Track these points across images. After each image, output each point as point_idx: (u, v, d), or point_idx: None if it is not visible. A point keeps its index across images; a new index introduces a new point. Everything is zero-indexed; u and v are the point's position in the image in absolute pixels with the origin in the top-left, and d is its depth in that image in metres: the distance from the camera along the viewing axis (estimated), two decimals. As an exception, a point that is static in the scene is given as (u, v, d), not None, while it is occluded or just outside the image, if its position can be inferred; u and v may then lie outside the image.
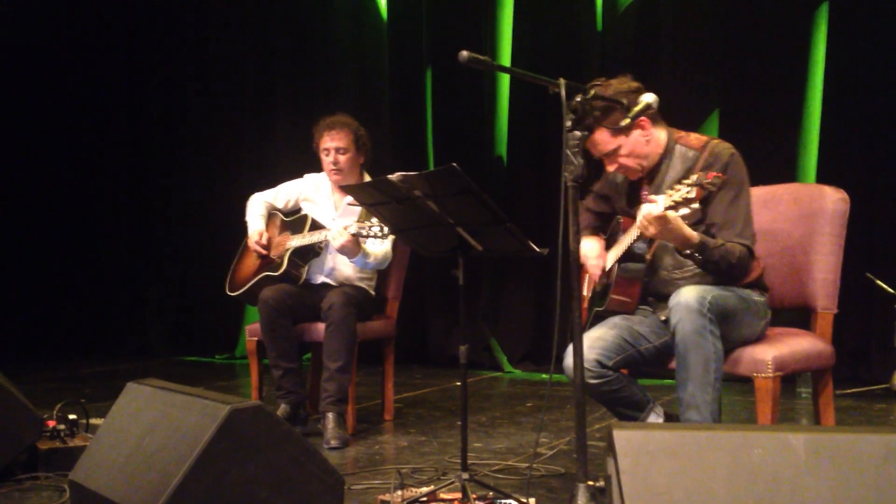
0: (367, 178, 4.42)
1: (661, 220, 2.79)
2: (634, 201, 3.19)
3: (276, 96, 7.12)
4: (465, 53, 2.55)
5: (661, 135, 3.15)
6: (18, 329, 7.51)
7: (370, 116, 6.67)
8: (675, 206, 2.75)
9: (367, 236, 3.93)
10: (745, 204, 3.05)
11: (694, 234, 2.89)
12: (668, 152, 3.13)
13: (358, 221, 4.01)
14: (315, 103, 6.62)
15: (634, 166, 3.13)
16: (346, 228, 4.03)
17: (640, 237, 3.03)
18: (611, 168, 3.18)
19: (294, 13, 7.05)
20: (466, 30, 6.45)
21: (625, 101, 2.95)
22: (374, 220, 3.94)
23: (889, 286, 5.03)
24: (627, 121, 2.96)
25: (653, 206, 2.79)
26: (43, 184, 7.74)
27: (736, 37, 5.67)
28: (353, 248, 4.13)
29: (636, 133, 3.08)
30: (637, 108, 2.91)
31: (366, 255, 4.20)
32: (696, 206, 2.74)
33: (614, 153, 3.10)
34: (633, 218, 3.05)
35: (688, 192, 2.72)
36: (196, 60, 7.44)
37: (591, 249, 3.28)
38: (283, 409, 4.21)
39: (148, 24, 7.60)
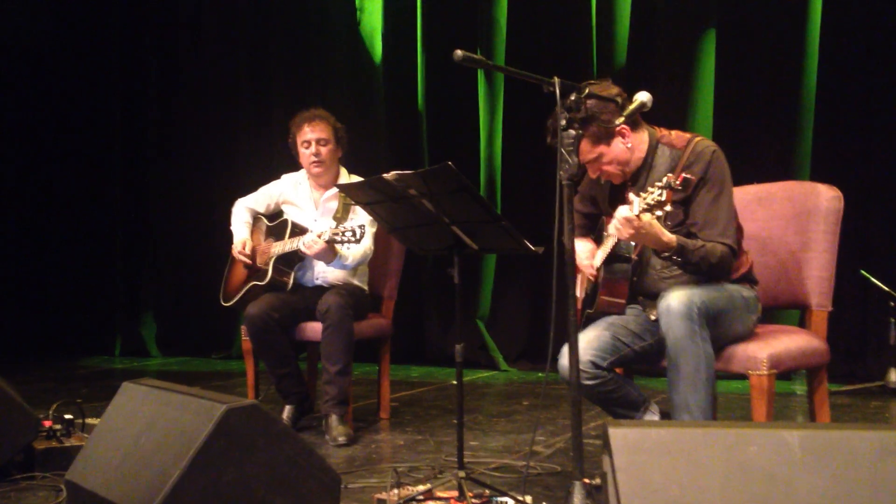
0: (345, 172, 4.42)
1: (633, 223, 2.79)
2: (616, 203, 3.20)
3: (271, 95, 7.14)
4: (459, 52, 2.55)
5: (643, 137, 3.14)
6: (14, 329, 7.50)
7: (366, 115, 6.71)
8: (650, 209, 2.75)
9: (342, 242, 3.92)
10: (727, 202, 3.04)
11: (672, 238, 2.90)
12: (650, 153, 3.14)
13: (333, 228, 3.99)
14: (311, 101, 6.60)
15: (616, 172, 3.14)
16: (319, 236, 4.03)
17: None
18: (593, 175, 3.20)
19: (289, 11, 7.06)
20: (461, 28, 6.46)
21: (619, 100, 2.96)
22: (348, 224, 3.93)
23: (883, 283, 5.05)
24: (622, 119, 2.96)
25: (626, 209, 2.80)
26: (37, 184, 7.74)
27: (729, 36, 5.68)
28: (327, 254, 4.12)
29: (617, 141, 3.09)
30: (632, 107, 2.92)
31: (342, 257, 4.19)
32: (668, 208, 2.74)
33: (596, 161, 3.12)
34: None
35: (659, 195, 2.72)
36: (191, 59, 7.45)
37: (581, 251, 3.29)
38: (288, 410, 4.22)
39: (143, 21, 7.60)
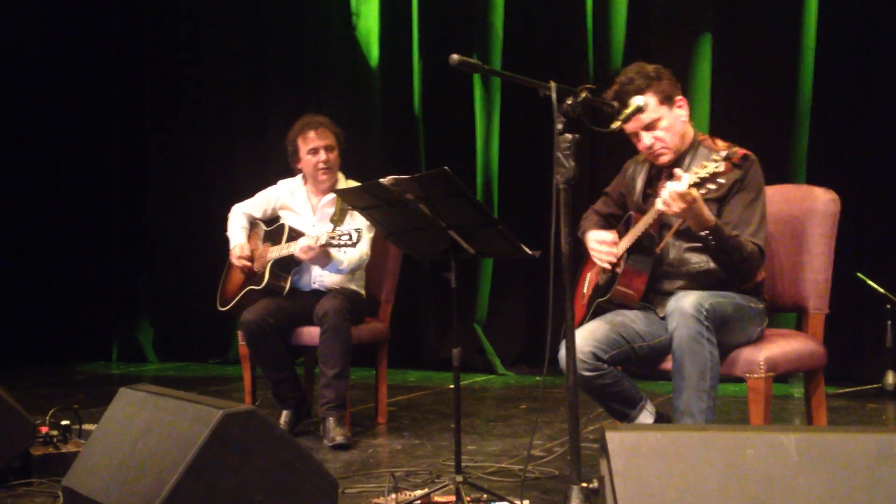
0: (342, 177, 4.43)
1: (686, 197, 2.80)
2: (648, 197, 3.22)
3: (268, 100, 7.13)
4: (455, 57, 2.55)
5: (689, 129, 3.20)
6: (11, 334, 7.48)
7: (362, 119, 6.71)
8: (702, 182, 2.76)
9: (338, 246, 3.92)
10: (762, 208, 3.08)
11: (712, 217, 2.92)
12: (692, 148, 3.18)
13: (329, 232, 3.97)
14: (307, 105, 6.62)
15: (668, 144, 3.14)
16: (316, 240, 4.04)
17: (650, 231, 3.06)
18: (646, 142, 3.15)
19: (286, 16, 7.06)
20: (457, 32, 6.47)
21: (616, 104, 2.97)
22: (344, 227, 3.93)
23: (880, 286, 5.05)
24: (618, 124, 2.97)
25: (678, 184, 2.80)
26: (35, 189, 7.72)
27: (725, 40, 5.69)
28: (321, 258, 4.13)
29: (677, 109, 3.14)
30: (627, 111, 2.93)
31: (337, 261, 4.19)
32: (722, 181, 2.76)
33: (655, 122, 3.12)
34: (645, 214, 3.07)
35: (716, 167, 2.73)
36: (188, 65, 7.44)
37: (601, 234, 3.27)
38: (285, 415, 4.22)
39: (141, 27, 7.59)
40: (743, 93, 5.65)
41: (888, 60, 5.36)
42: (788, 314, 4.53)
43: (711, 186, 2.78)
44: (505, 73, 2.89)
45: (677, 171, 2.89)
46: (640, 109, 2.95)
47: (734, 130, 5.49)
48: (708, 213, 2.91)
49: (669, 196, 2.83)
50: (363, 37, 6.81)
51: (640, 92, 3.05)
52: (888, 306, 5.03)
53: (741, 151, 2.77)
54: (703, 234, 2.94)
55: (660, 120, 3.12)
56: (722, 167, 2.73)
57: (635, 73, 3.12)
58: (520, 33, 6.32)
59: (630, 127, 3.13)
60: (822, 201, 3.28)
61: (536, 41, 6.27)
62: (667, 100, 3.12)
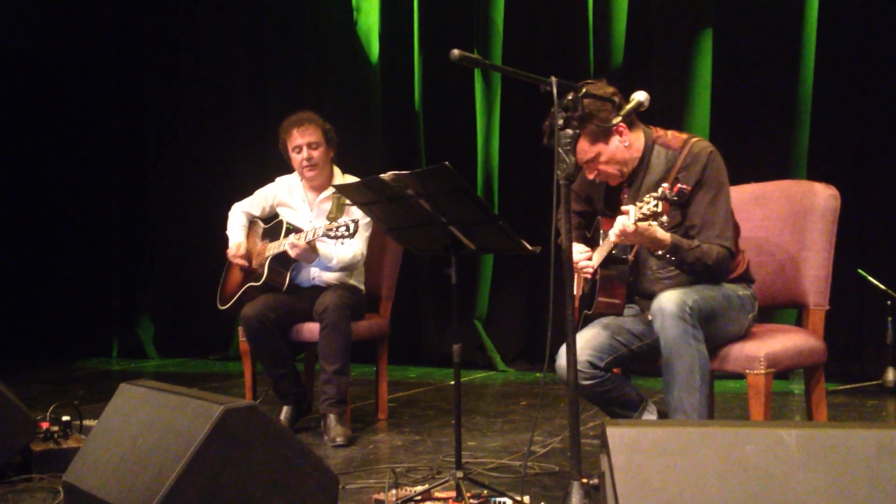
0: (338, 172, 4.42)
1: (634, 234, 2.82)
2: (612, 203, 3.21)
3: (268, 96, 7.12)
4: (456, 52, 2.55)
5: (639, 137, 3.15)
6: (12, 330, 7.49)
7: (362, 115, 6.71)
8: (645, 219, 2.76)
9: (336, 237, 3.92)
10: (725, 204, 3.05)
11: (666, 237, 2.90)
12: (647, 154, 3.14)
13: (327, 224, 3.96)
14: (307, 101, 6.62)
15: (615, 172, 3.14)
16: (304, 236, 4.02)
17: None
18: (591, 175, 3.18)
19: (285, 11, 7.06)
20: (458, 28, 6.46)
21: (616, 99, 2.96)
22: (342, 220, 3.92)
23: (880, 282, 5.05)
24: (618, 119, 2.96)
25: (625, 219, 2.80)
26: (35, 186, 7.72)
27: (726, 35, 5.69)
28: (308, 255, 4.12)
29: (615, 139, 3.09)
30: (629, 106, 2.92)
31: (326, 258, 4.18)
32: (664, 218, 2.76)
33: (594, 160, 3.11)
34: (613, 219, 3.07)
35: (654, 206, 2.73)
36: (188, 62, 7.43)
37: (575, 253, 3.26)
38: (285, 411, 4.23)
39: (140, 24, 7.59)
40: (744, 88, 5.65)
41: (889, 56, 5.36)
42: (789, 310, 4.53)
43: (654, 223, 2.77)
44: (506, 69, 2.90)
45: (624, 207, 2.86)
46: (640, 105, 2.94)
47: (734, 126, 5.50)
48: (662, 234, 2.88)
49: (620, 233, 2.84)
50: (364, 32, 6.80)
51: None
52: (889, 303, 5.03)
53: (677, 186, 2.74)
54: (659, 253, 2.93)
55: (598, 156, 3.10)
56: (660, 206, 2.72)
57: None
58: (520, 28, 6.32)
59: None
60: (822, 197, 3.28)
61: (537, 36, 6.27)
62: (602, 135, 3.05)
